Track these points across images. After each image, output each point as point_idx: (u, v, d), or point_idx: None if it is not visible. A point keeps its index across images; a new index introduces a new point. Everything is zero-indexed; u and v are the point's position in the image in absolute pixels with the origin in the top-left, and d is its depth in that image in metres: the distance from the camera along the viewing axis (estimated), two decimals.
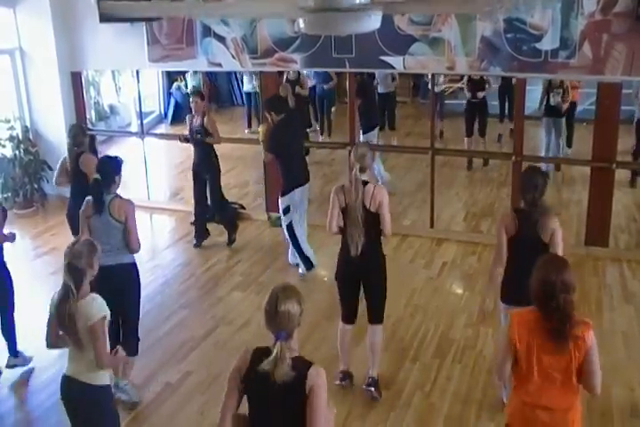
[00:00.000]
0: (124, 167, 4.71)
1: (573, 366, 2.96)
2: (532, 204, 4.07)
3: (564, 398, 3.03)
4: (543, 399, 3.02)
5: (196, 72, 11.27)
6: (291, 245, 6.56)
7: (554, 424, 3.05)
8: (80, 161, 5.76)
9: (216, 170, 7.16)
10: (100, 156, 6.01)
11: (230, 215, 7.38)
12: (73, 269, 3.33)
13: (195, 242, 7.37)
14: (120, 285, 4.29)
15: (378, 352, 4.68)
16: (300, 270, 6.53)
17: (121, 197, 4.54)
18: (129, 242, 4.45)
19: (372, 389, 4.59)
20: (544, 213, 4.06)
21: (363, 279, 4.59)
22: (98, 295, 3.43)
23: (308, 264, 6.50)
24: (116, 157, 4.74)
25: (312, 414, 2.62)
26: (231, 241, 7.30)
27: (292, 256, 6.63)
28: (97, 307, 3.37)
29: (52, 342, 3.55)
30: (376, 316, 4.65)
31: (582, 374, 2.98)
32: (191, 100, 7.08)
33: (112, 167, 4.59)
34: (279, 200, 6.46)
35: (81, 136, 5.91)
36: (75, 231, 5.93)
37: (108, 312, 3.41)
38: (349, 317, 4.67)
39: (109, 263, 4.25)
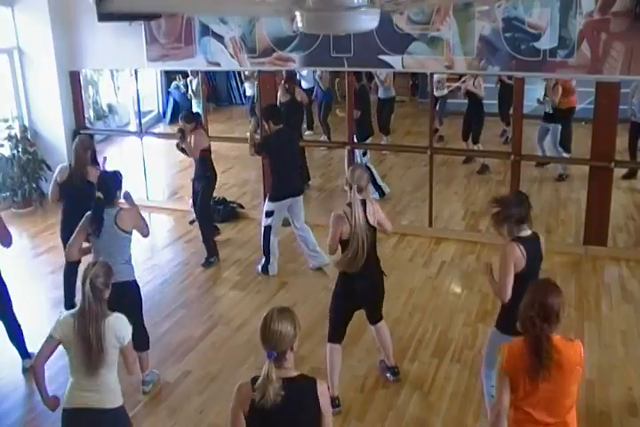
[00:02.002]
0: (122, 167, 4.72)
1: (572, 389, 2.96)
2: (527, 223, 3.85)
3: (560, 415, 3.01)
4: (540, 417, 3.00)
5: (195, 73, 11.23)
6: (307, 249, 6.59)
7: None
8: (86, 172, 5.66)
9: (207, 182, 6.96)
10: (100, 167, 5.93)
11: (211, 234, 7.07)
12: (95, 289, 3.33)
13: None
14: (123, 300, 4.28)
15: (389, 345, 4.82)
16: (259, 267, 6.60)
17: (124, 208, 4.58)
18: (142, 233, 4.70)
19: (398, 376, 4.79)
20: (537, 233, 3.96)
21: (365, 305, 4.63)
22: (120, 314, 3.44)
23: (264, 268, 6.56)
24: (117, 173, 4.74)
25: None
26: (207, 262, 6.86)
27: (313, 261, 6.62)
28: (125, 326, 3.41)
29: (38, 365, 3.48)
30: (376, 316, 4.73)
31: None
32: (180, 123, 6.90)
33: (113, 183, 4.62)
34: (265, 203, 6.50)
35: (87, 150, 5.78)
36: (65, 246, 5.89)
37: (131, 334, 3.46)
38: (339, 335, 4.61)
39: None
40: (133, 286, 4.62)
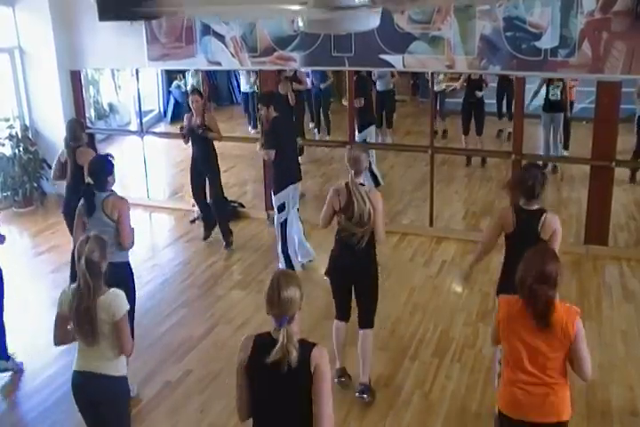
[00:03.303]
0: (122, 166, 4.71)
1: (560, 350, 2.99)
2: (532, 197, 4.01)
3: (550, 377, 3.04)
4: (530, 378, 3.04)
5: (196, 71, 11.24)
6: (296, 241, 6.56)
7: (539, 398, 3.06)
8: (77, 154, 5.75)
9: (216, 168, 7.17)
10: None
11: (227, 217, 7.31)
12: (91, 265, 3.33)
13: (203, 235, 7.41)
14: (113, 283, 4.27)
15: (368, 358, 4.61)
16: (280, 265, 6.55)
17: (115, 195, 4.56)
18: (121, 239, 4.46)
19: (365, 395, 4.54)
20: (547, 211, 4.04)
21: (355, 283, 4.61)
22: (119, 290, 3.44)
23: (289, 264, 6.51)
24: (107, 156, 4.71)
25: (318, 396, 2.64)
26: (229, 244, 7.19)
27: (300, 253, 6.61)
28: (120, 302, 3.39)
29: (60, 340, 3.54)
30: (366, 320, 4.62)
31: (572, 361, 3.02)
32: (190, 99, 7.05)
33: (103, 168, 4.59)
34: (273, 198, 6.47)
35: (78, 130, 5.91)
36: (71, 228, 5.92)
37: (128, 306, 3.44)
38: (343, 312, 4.68)
39: None
40: (125, 268, 4.57)
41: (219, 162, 7.21)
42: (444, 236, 7.35)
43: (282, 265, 6.52)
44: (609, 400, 4.48)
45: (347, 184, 4.42)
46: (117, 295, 3.40)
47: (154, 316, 5.75)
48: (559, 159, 9.00)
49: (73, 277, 5.78)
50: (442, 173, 8.56)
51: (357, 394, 4.56)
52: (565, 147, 9.20)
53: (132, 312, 4.66)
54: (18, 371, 5.01)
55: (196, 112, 6.96)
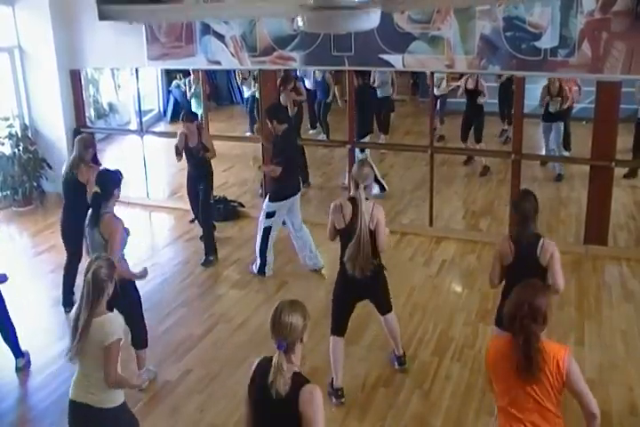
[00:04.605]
0: (122, 166, 4.72)
1: (552, 394, 2.91)
2: (527, 223, 4.00)
3: (544, 422, 2.97)
4: (524, 422, 2.97)
5: (197, 77, 11.23)
6: (306, 250, 6.54)
7: None
8: (79, 172, 5.67)
9: (209, 182, 7.04)
10: (101, 167, 5.93)
11: (212, 233, 7.08)
12: (94, 283, 3.29)
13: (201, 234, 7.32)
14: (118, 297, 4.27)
15: (398, 335, 4.88)
16: (254, 267, 6.55)
17: (113, 215, 4.52)
18: (112, 249, 4.37)
19: (404, 366, 4.88)
20: (542, 236, 4.02)
21: (364, 295, 4.67)
22: (118, 315, 3.39)
23: (262, 269, 6.50)
24: (117, 171, 4.73)
25: None
26: (208, 261, 6.87)
27: (309, 262, 6.58)
28: (114, 328, 3.30)
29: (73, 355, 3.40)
30: (385, 307, 4.80)
31: (577, 401, 2.94)
32: (183, 126, 6.83)
33: (111, 180, 4.60)
34: (265, 202, 6.44)
35: (82, 151, 5.76)
36: (68, 248, 5.90)
37: (122, 336, 3.34)
38: (342, 329, 4.68)
39: None
40: (128, 282, 4.56)
41: (213, 179, 7.10)
42: (443, 235, 7.35)
43: (255, 267, 6.54)
44: (608, 400, 4.47)
45: (351, 199, 4.44)
46: (113, 321, 3.33)
47: (153, 315, 5.73)
48: (559, 159, 9.00)
49: (66, 291, 5.86)
50: (441, 172, 8.56)
51: (398, 366, 4.90)
52: (566, 148, 9.20)
53: (138, 310, 4.70)
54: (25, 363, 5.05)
55: (192, 135, 6.81)
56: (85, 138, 5.99)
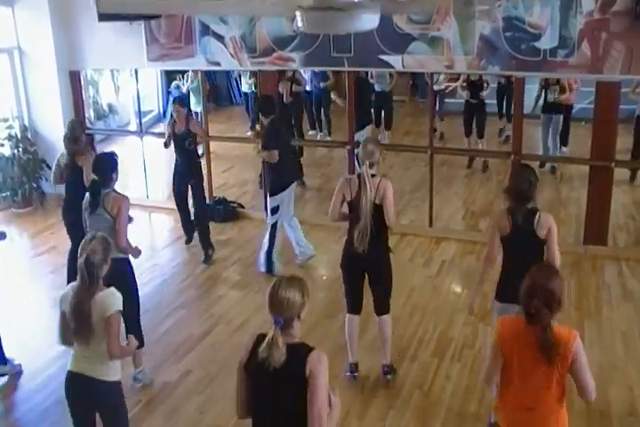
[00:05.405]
0: (122, 166, 4.72)
1: (556, 375, 2.94)
2: (525, 199, 4.01)
3: (546, 403, 3.00)
4: (526, 402, 3.01)
5: (195, 75, 11.21)
6: (293, 240, 6.55)
7: (536, 424, 3.04)
8: (76, 156, 5.73)
9: (200, 176, 7.07)
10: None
11: (208, 229, 7.06)
12: (90, 265, 3.33)
13: (185, 238, 7.34)
14: (113, 279, 4.27)
15: (389, 342, 4.81)
16: (262, 268, 6.54)
17: (117, 192, 4.58)
18: (117, 239, 4.40)
19: (390, 376, 4.78)
20: (539, 209, 4.05)
21: (368, 272, 4.68)
22: (116, 290, 3.43)
23: (270, 268, 6.49)
24: (112, 154, 4.77)
25: (311, 400, 2.61)
26: (208, 257, 6.91)
27: (299, 251, 6.60)
28: (114, 300, 3.37)
29: (66, 339, 3.48)
30: (383, 306, 4.77)
31: (575, 383, 2.97)
32: (172, 108, 6.96)
33: (108, 164, 4.63)
34: (268, 200, 6.47)
35: (78, 131, 5.89)
36: (69, 229, 5.92)
37: (122, 308, 3.41)
38: (355, 306, 4.75)
39: None
40: (124, 264, 4.56)
41: (202, 171, 7.12)
42: (443, 236, 7.35)
43: (263, 268, 6.53)
44: (608, 400, 4.47)
45: (359, 175, 4.52)
46: (113, 294, 3.40)
47: (153, 316, 5.73)
48: (559, 159, 9.00)
49: (70, 276, 5.82)
50: (441, 173, 8.56)
51: (383, 375, 4.79)
52: (564, 143, 9.18)
53: (136, 310, 4.68)
54: (16, 373, 4.99)
55: (179, 121, 6.85)
56: (75, 120, 6.07)
